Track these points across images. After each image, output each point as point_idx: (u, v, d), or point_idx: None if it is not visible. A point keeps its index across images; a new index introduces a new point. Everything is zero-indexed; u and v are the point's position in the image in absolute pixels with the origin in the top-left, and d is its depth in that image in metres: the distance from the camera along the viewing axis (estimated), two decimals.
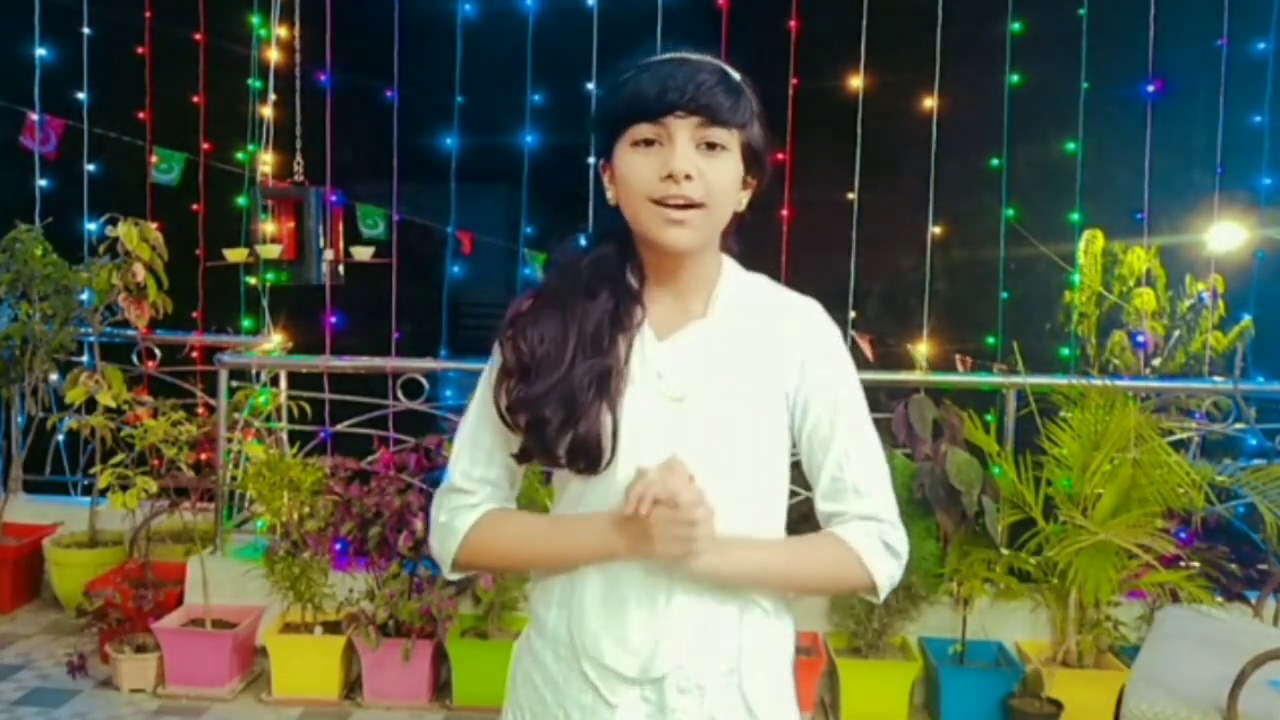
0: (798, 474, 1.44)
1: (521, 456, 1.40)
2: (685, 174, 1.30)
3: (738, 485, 1.36)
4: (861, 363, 4.48)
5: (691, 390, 1.36)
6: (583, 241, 1.46)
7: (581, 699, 1.37)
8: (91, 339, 4.68)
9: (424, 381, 4.18)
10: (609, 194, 1.39)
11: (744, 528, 1.36)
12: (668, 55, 1.34)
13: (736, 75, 1.35)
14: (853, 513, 1.38)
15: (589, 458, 1.33)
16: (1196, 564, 3.75)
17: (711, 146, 1.32)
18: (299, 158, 4.72)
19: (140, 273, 4.29)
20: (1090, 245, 4.67)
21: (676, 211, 1.31)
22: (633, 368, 1.36)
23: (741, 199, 1.39)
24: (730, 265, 1.44)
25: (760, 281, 1.46)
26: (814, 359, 1.40)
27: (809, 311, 1.44)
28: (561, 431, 1.33)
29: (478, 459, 1.43)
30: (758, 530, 1.38)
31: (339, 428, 4.31)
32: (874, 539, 1.38)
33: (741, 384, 1.37)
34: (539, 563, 1.42)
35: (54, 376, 4.71)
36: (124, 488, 3.87)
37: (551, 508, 1.46)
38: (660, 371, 1.36)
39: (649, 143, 1.32)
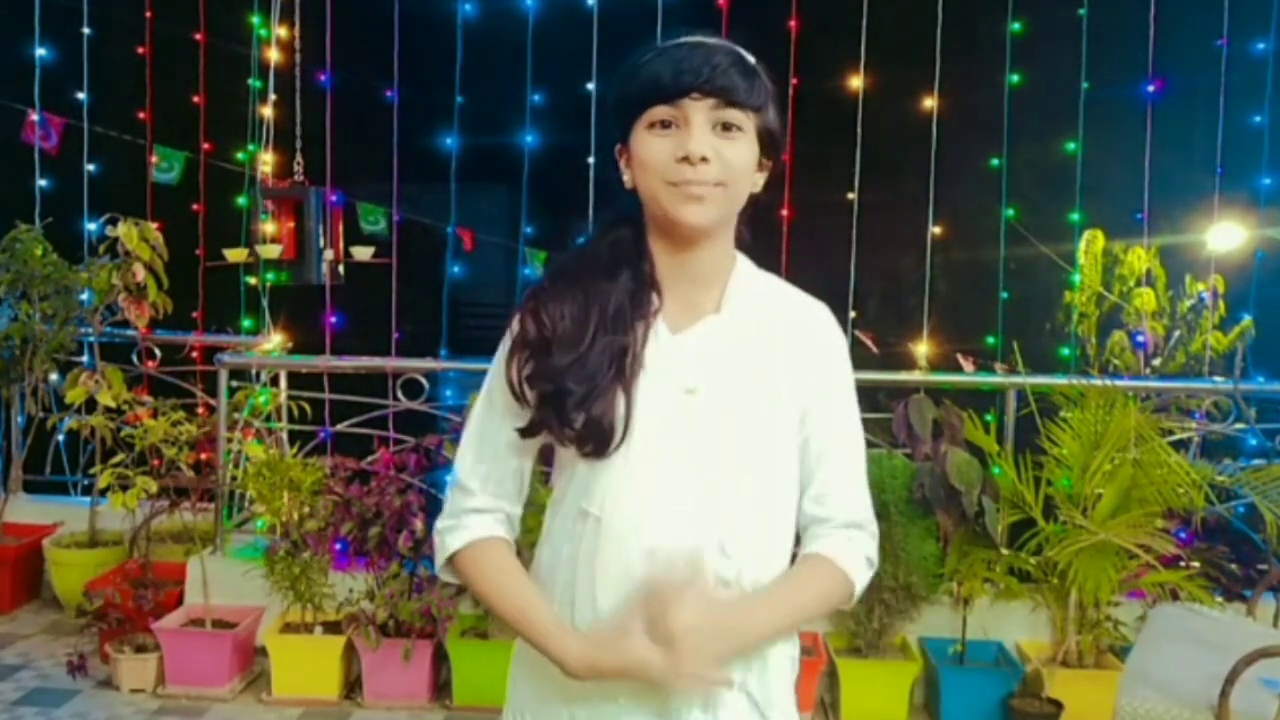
0: None
1: (530, 430, 1.38)
2: (701, 156, 1.30)
3: (749, 480, 1.36)
4: (863, 361, 4.47)
5: (704, 383, 1.36)
6: (597, 225, 1.45)
7: (588, 698, 1.36)
8: (91, 339, 4.68)
9: (424, 381, 4.18)
10: (625, 178, 1.39)
11: (756, 524, 1.36)
12: (683, 39, 1.34)
13: (751, 58, 1.35)
14: (839, 519, 1.41)
15: (599, 439, 1.33)
16: (1196, 564, 3.75)
17: (727, 128, 1.32)
18: (299, 158, 4.72)
19: (140, 273, 4.30)
20: (1090, 245, 4.67)
21: (694, 188, 1.31)
22: (647, 356, 1.36)
23: (757, 181, 1.39)
24: (743, 261, 1.44)
25: (772, 281, 1.46)
26: (822, 366, 1.41)
27: (820, 317, 1.44)
28: (578, 407, 1.33)
29: (483, 454, 1.43)
30: (768, 527, 1.38)
31: (339, 428, 4.31)
32: (859, 555, 1.41)
33: (753, 381, 1.37)
34: (502, 621, 1.42)
35: (54, 376, 4.71)
36: (124, 488, 3.88)
37: (553, 499, 1.45)
38: (673, 363, 1.36)
39: (665, 125, 1.32)
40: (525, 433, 1.39)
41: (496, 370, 1.42)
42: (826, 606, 1.42)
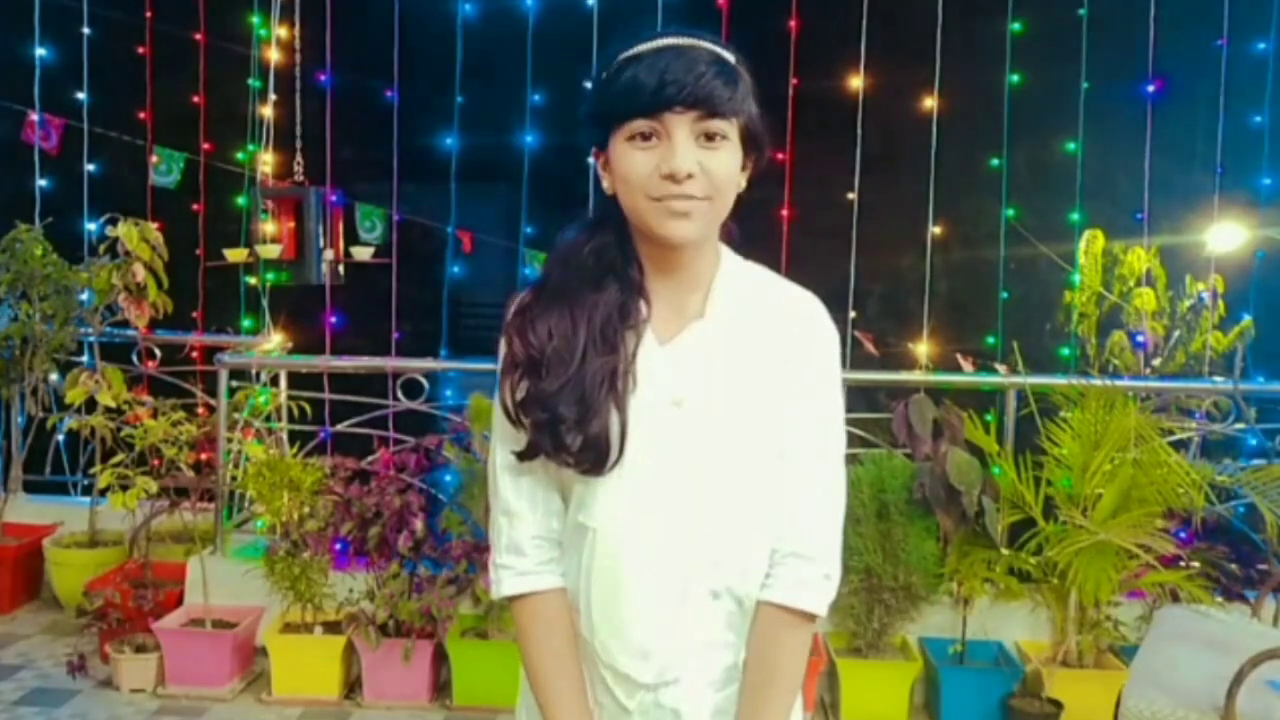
0: None
1: (528, 453, 1.36)
2: (686, 174, 1.26)
3: (736, 492, 1.34)
4: (863, 361, 4.48)
5: (690, 394, 1.34)
6: (578, 229, 1.41)
7: (602, 699, 1.37)
8: (91, 339, 4.69)
9: (424, 381, 4.17)
10: (604, 183, 1.35)
11: (744, 536, 1.35)
12: (661, 42, 1.28)
13: (731, 57, 1.30)
14: (789, 510, 1.36)
15: (597, 458, 1.31)
16: (1196, 564, 3.75)
17: (710, 137, 1.28)
18: (299, 158, 4.72)
19: (140, 273, 4.29)
20: (1090, 245, 4.66)
21: (679, 203, 1.27)
22: (638, 369, 1.34)
23: (741, 181, 1.35)
24: (728, 256, 1.41)
25: (757, 272, 1.42)
26: (804, 362, 1.37)
27: (807, 310, 1.40)
28: (574, 430, 1.31)
29: (519, 472, 1.40)
30: (756, 538, 1.36)
31: (339, 428, 4.31)
32: (815, 580, 1.36)
33: (740, 387, 1.34)
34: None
35: (54, 376, 4.71)
36: (124, 488, 3.87)
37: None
38: (662, 375, 1.34)
39: (646, 136, 1.28)
40: (522, 456, 1.36)
41: (499, 401, 1.40)
42: (805, 655, 1.39)
